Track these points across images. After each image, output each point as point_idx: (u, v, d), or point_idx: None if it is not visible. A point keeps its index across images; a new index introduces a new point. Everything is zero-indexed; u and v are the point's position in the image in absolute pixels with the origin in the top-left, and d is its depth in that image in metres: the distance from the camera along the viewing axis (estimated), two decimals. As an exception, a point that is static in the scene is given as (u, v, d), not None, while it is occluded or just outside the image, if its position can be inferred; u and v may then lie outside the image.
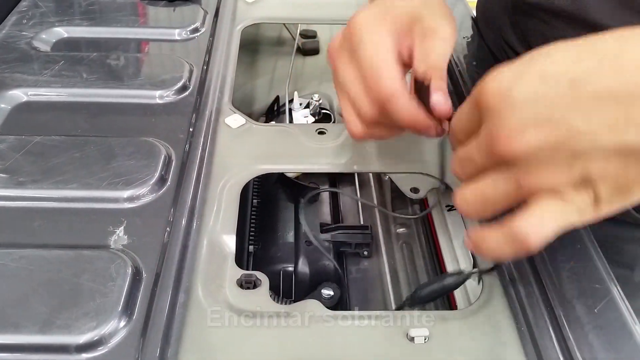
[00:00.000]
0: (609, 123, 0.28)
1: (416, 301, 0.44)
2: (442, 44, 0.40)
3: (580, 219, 0.31)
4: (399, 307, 0.45)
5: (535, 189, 0.31)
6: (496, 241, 0.33)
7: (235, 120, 0.57)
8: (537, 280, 0.42)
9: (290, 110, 0.73)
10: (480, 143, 0.33)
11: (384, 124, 0.42)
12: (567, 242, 0.45)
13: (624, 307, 0.40)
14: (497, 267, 0.43)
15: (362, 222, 0.64)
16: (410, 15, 0.42)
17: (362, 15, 0.42)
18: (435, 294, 0.43)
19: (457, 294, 0.51)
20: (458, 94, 0.61)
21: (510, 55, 0.60)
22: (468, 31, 0.72)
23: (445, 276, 0.43)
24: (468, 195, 0.34)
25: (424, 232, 0.62)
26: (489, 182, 0.33)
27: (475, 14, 0.73)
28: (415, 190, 0.52)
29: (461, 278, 0.43)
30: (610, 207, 0.31)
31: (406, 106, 0.39)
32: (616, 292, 0.41)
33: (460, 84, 0.62)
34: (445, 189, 0.52)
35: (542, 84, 0.30)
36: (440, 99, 0.39)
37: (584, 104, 0.29)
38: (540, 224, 0.31)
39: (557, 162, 0.30)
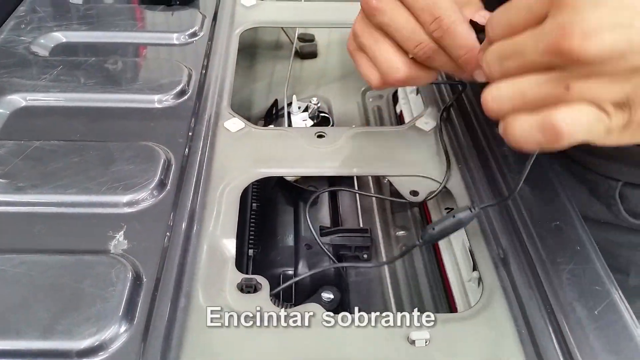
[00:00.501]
0: None
1: (429, 239, 0.44)
2: None
3: (604, 136, 0.31)
4: (411, 248, 0.47)
5: (581, 98, 0.30)
6: (529, 125, 0.32)
7: (234, 124, 0.57)
8: (537, 283, 0.42)
9: (289, 113, 0.73)
10: (542, 37, 0.31)
11: (424, 64, 0.43)
12: (567, 244, 0.45)
13: (625, 309, 0.40)
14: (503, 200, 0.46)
15: (361, 225, 0.64)
16: None
17: None
18: (448, 230, 0.43)
19: (457, 296, 0.51)
20: (460, 99, 0.62)
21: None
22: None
23: (456, 211, 0.43)
24: (504, 91, 0.33)
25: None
26: (532, 81, 0.32)
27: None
28: (414, 193, 0.52)
29: (473, 213, 0.43)
30: (633, 137, 0.31)
31: (466, 32, 0.40)
32: (616, 294, 0.41)
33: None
34: (445, 192, 0.52)
35: None
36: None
37: None
38: (576, 122, 0.30)
39: (619, 72, 0.29)
